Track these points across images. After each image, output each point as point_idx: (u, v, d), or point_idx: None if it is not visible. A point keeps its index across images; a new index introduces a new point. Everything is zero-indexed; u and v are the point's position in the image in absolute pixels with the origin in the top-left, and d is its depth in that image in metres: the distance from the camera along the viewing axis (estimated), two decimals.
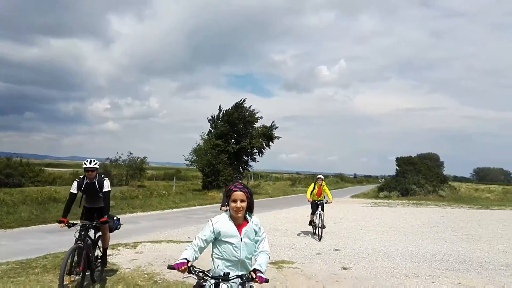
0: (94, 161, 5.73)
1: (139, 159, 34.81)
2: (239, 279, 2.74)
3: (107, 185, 5.79)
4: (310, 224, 11.28)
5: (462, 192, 35.38)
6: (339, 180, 67.44)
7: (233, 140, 30.91)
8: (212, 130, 30.84)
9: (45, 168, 37.35)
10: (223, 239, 2.82)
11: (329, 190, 11.48)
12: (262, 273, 2.79)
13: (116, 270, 6.61)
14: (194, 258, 2.77)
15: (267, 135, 31.78)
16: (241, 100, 31.21)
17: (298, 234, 11.41)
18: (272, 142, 32.32)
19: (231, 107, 30.78)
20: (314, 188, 11.01)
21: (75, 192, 5.70)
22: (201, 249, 2.84)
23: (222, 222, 2.87)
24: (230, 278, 2.72)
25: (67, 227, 5.40)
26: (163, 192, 23.57)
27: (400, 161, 35.71)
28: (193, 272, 2.70)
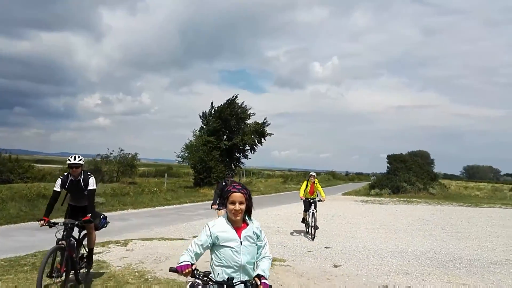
0: (78, 157, 5.45)
1: (130, 156, 34.66)
2: (243, 284, 2.60)
3: (92, 183, 5.51)
4: (302, 221, 11.23)
5: (452, 189, 35.80)
6: (331, 178, 67.81)
7: (225, 137, 30.86)
8: (204, 126, 30.74)
9: (35, 164, 36.98)
10: (221, 244, 2.61)
11: (321, 187, 11.44)
12: (266, 279, 2.63)
13: (106, 268, 6.55)
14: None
15: (259, 131, 31.80)
16: (233, 96, 31.21)
17: (290, 232, 11.42)
18: (264, 139, 32.38)
19: (223, 104, 30.72)
20: (307, 186, 10.88)
21: (59, 190, 5.46)
22: (198, 256, 2.62)
23: (220, 226, 2.66)
24: (234, 284, 2.57)
25: (48, 226, 5.16)
26: (155, 189, 23.42)
27: (391, 158, 36.01)
28: (197, 276, 2.52)
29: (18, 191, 16.97)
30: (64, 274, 5.01)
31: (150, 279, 6.00)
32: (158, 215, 14.75)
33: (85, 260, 5.82)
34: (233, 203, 2.63)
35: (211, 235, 2.62)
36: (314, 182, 10.93)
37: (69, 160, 5.42)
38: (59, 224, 5.19)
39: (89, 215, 5.40)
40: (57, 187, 5.45)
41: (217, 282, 2.57)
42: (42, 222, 5.15)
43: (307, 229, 10.92)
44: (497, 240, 11.09)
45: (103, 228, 6.05)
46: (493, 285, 6.42)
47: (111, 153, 33.82)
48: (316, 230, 10.51)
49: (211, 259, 2.69)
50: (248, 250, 2.64)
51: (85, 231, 5.75)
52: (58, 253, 5.04)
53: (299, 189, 11.30)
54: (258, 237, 2.74)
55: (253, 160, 39.06)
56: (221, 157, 29.81)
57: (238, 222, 2.68)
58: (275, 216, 15.21)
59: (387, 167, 36.17)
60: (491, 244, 10.39)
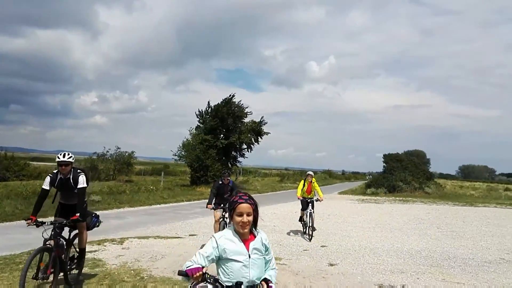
0: (68, 154, 5.27)
1: (126, 154, 34.55)
2: None
3: (82, 181, 5.32)
4: (300, 220, 11.16)
5: (447, 189, 36.00)
6: (327, 177, 67.93)
7: (222, 135, 30.84)
8: (201, 125, 30.70)
9: (31, 162, 36.83)
10: (229, 257, 2.47)
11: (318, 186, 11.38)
12: (273, 284, 2.57)
13: (102, 266, 6.55)
14: None
15: (256, 130, 31.79)
16: (230, 95, 31.17)
17: (287, 232, 11.44)
18: (261, 137, 32.36)
19: (220, 102, 30.69)
20: (304, 185, 10.76)
21: (47, 188, 5.27)
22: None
23: (227, 238, 2.52)
24: None
25: (35, 226, 4.95)
26: (151, 187, 23.41)
27: (388, 158, 36.14)
28: (208, 280, 2.41)
29: (13, 189, 16.94)
30: (52, 275, 4.85)
31: (145, 278, 6.00)
32: (155, 213, 14.74)
33: (75, 261, 5.64)
34: (241, 214, 2.49)
35: (217, 247, 2.48)
36: (311, 181, 10.76)
37: (58, 157, 5.22)
38: (46, 223, 5.02)
39: (78, 214, 5.22)
40: (46, 185, 5.28)
41: (226, 287, 2.50)
42: (29, 221, 4.96)
43: (304, 229, 10.84)
44: (491, 239, 11.16)
45: (96, 228, 5.88)
46: (487, 283, 6.47)
47: (107, 151, 33.72)
48: (313, 232, 10.37)
49: (218, 274, 2.55)
50: (257, 263, 2.53)
51: (76, 231, 5.59)
52: (47, 254, 4.87)
53: (296, 188, 11.22)
54: (266, 249, 2.64)
55: (249, 159, 39.24)
56: (218, 155, 29.79)
57: (246, 235, 2.56)
58: (272, 214, 15.22)
59: (383, 166, 36.36)
60: (485, 243, 10.46)
